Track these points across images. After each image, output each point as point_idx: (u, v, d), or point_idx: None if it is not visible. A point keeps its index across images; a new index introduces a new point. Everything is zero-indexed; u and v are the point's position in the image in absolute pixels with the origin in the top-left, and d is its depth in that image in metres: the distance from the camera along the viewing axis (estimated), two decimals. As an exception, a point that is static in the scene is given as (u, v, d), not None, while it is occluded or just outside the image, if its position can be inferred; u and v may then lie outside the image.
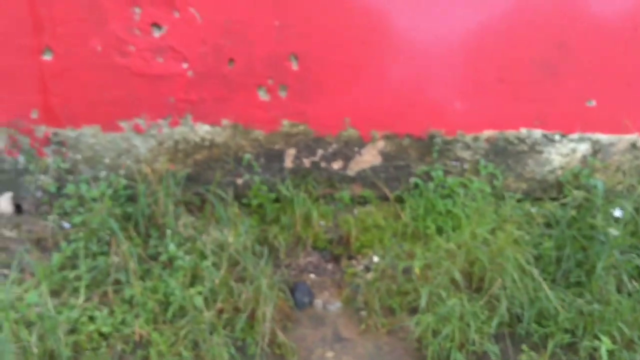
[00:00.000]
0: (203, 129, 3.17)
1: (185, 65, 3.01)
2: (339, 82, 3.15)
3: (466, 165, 3.43)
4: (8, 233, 3.09)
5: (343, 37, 3.04)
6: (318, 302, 3.05)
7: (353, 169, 3.41)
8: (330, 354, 2.75)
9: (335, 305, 3.04)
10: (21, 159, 3.15)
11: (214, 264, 2.76)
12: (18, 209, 3.27)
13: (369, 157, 3.37)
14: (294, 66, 3.07)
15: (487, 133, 3.35)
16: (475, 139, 3.36)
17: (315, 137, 3.28)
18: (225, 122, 3.17)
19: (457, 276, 2.84)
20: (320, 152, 3.32)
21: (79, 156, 3.16)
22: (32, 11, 2.84)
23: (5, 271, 2.83)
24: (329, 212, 3.35)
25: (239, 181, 3.32)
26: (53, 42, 2.90)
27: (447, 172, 3.42)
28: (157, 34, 2.93)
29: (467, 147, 3.38)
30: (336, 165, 3.38)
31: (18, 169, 3.18)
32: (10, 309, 2.44)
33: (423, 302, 2.76)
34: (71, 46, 2.92)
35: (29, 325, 2.44)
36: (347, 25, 3.02)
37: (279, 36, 3.01)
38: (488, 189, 3.36)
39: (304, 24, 2.99)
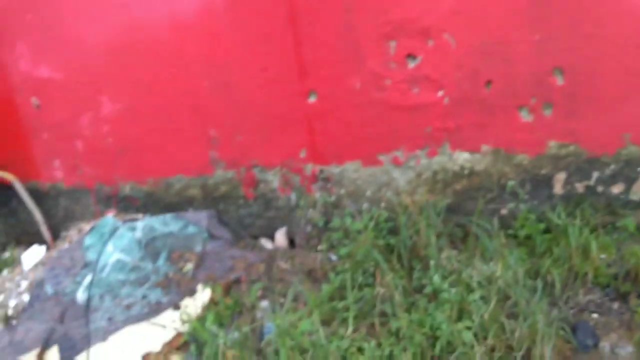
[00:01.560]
0: (462, 157, 3.06)
1: (441, 93, 2.96)
2: (613, 94, 2.77)
3: None
4: (283, 265, 3.34)
5: (616, 43, 2.68)
6: (604, 345, 2.63)
7: (637, 192, 2.94)
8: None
9: (626, 350, 2.59)
10: (293, 196, 3.41)
11: (482, 298, 2.57)
12: (291, 242, 3.53)
13: (657, 178, 2.88)
14: (559, 81, 2.80)
15: None
16: None
17: (588, 158, 2.92)
18: (484, 148, 3.01)
19: None
20: (595, 174, 2.94)
21: (342, 191, 3.30)
22: (298, 58, 3.09)
23: (282, 300, 3.03)
24: (610, 243, 2.92)
25: (503, 210, 3.11)
26: (317, 84, 3.11)
27: None
28: (412, 64, 2.94)
29: None
30: (616, 189, 2.95)
31: (290, 206, 3.45)
32: (286, 336, 2.58)
33: None
34: (333, 87, 3.10)
35: (302, 352, 2.54)
36: (621, 31, 2.66)
37: (539, 51, 2.78)
38: None
39: (567, 35, 2.72)
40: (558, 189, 3.00)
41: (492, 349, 2.44)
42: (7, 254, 4.11)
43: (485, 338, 2.46)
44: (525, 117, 2.90)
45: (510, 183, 3.03)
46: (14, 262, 4.04)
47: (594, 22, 2.68)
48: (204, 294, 3.07)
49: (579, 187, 2.98)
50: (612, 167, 2.91)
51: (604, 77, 2.75)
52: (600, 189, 2.96)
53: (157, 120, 3.47)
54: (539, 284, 2.63)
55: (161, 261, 3.35)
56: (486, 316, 2.48)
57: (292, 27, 3.05)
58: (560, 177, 2.98)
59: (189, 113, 3.41)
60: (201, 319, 2.91)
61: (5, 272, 3.94)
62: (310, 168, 3.31)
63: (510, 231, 3.05)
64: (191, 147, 3.50)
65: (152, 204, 3.75)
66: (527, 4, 2.71)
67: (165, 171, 3.62)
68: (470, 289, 2.66)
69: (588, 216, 2.95)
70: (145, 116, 3.47)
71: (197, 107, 3.38)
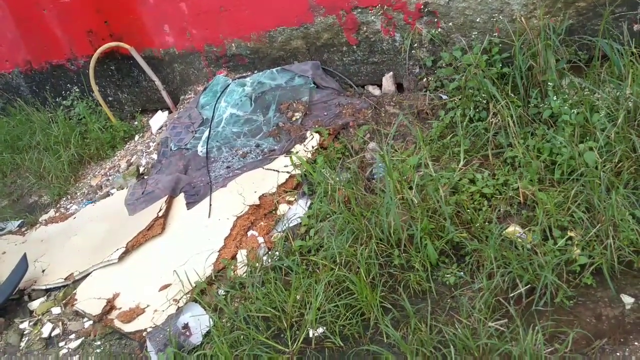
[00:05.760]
0: (587, -31, 2.67)
1: None
2: None
3: None
4: (391, 109, 3.26)
5: None
6: None
7: None
8: None
9: None
10: (397, 36, 3.24)
11: (608, 117, 2.33)
12: (399, 87, 3.41)
13: None
14: None
15: None
16: None
17: None
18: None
19: None
20: None
21: (450, 24, 3.06)
22: None
23: (390, 141, 2.97)
24: None
25: (637, 26, 2.72)
26: None
27: None
28: None
29: None
30: None
31: (396, 48, 3.29)
32: (394, 171, 2.54)
33: None
34: None
35: (411, 186, 2.50)
36: None
37: None
38: None
39: None
40: None
41: (619, 171, 2.24)
42: (136, 122, 4.42)
43: (611, 160, 2.26)
44: None
45: (646, -7, 2.62)
46: (143, 128, 4.34)
47: None
48: (313, 140, 3.10)
49: None
50: None
51: None
52: None
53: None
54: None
55: (271, 113, 3.40)
56: (612, 135, 2.25)
57: None
58: None
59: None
60: (312, 162, 2.96)
61: (137, 137, 4.26)
62: (414, 2, 3.08)
63: (645, 49, 2.68)
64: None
65: (259, 61, 3.76)
66: None
67: (267, 24, 3.57)
68: (595, 110, 2.42)
69: None
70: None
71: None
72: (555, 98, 2.52)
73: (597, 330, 1.90)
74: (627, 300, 1.96)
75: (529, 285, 2.05)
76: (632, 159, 2.23)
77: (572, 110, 2.41)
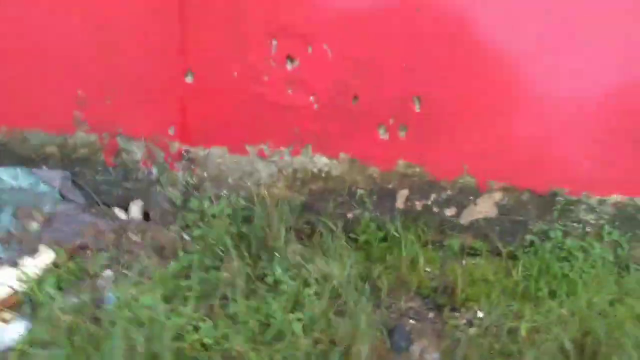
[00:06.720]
0: (321, 161, 3.27)
1: (312, 98, 3.13)
2: (459, 127, 3.12)
3: (588, 229, 3.24)
4: (134, 237, 3.35)
5: (468, 84, 3.02)
6: (415, 349, 2.98)
7: (466, 217, 3.34)
8: (421, 404, 2.67)
9: (433, 356, 2.96)
10: (154, 170, 3.42)
11: (317, 293, 2.80)
12: (146, 216, 3.54)
13: (484, 208, 3.29)
14: (416, 108, 3.09)
15: (615, 197, 3.15)
16: (601, 202, 3.17)
17: (430, 180, 3.26)
18: (343, 155, 3.24)
19: (568, 345, 2.66)
20: (433, 196, 3.30)
21: (205, 173, 3.38)
22: (182, 35, 3.09)
23: (127, 272, 3.05)
24: (436, 259, 3.30)
25: (350, 215, 3.37)
26: (196, 65, 3.15)
27: (566, 234, 3.25)
28: (290, 66, 3.08)
29: (592, 209, 3.19)
30: (449, 211, 3.33)
31: (150, 180, 3.46)
32: (125, 307, 2.61)
33: (527, 367, 2.62)
34: (212, 71, 3.15)
35: (140, 325, 2.59)
36: (473, 73, 3.00)
37: (404, 78, 3.04)
38: (610, 257, 3.15)
39: (429, 70, 3.01)
40: (400, 203, 3.32)
41: (317, 342, 2.68)
42: None
43: (312, 330, 2.69)
44: (382, 134, 3.17)
45: (360, 191, 3.30)
46: None
47: (448, 64, 2.99)
48: (46, 256, 3.00)
49: (418, 204, 3.32)
50: (449, 192, 3.27)
51: (452, 112, 3.08)
52: (435, 209, 3.32)
53: (22, 66, 3.29)
54: (368, 287, 2.92)
55: (4, 215, 3.20)
56: (317, 311, 2.71)
57: (180, 3, 3.04)
58: (404, 193, 3.30)
59: (58, 66, 3.27)
60: (40, 280, 2.85)
61: None
62: (176, 146, 3.34)
63: (353, 235, 3.32)
64: (55, 102, 3.36)
65: (5, 155, 3.55)
66: (403, 33, 2.96)
67: (22, 122, 3.45)
68: (307, 284, 2.88)
69: (421, 232, 3.30)
70: (7, 59, 3.28)
71: (69, 61, 3.25)
72: (278, 266, 2.93)
73: None
74: None
75: None
76: (328, 335, 2.69)
77: (290, 281, 2.83)
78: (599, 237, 3.23)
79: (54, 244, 3.07)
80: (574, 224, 3.25)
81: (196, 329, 2.75)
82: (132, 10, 3.08)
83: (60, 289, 2.84)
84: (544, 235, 3.28)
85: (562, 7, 2.80)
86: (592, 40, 2.83)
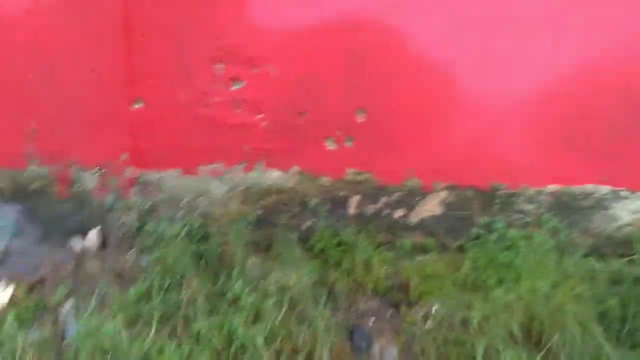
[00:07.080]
0: (273, 175, 3.38)
1: (260, 117, 3.24)
2: (402, 134, 3.28)
3: (529, 219, 3.44)
4: (93, 266, 3.39)
5: (408, 94, 3.18)
6: (375, 348, 3.12)
7: (415, 217, 3.50)
8: (384, 400, 2.80)
9: (392, 352, 3.10)
10: (109, 197, 3.47)
11: (276, 304, 2.90)
12: (104, 243, 3.58)
13: (431, 207, 3.46)
14: (361, 119, 3.23)
15: (552, 188, 3.36)
16: (539, 192, 3.38)
17: (379, 185, 3.41)
18: (294, 168, 3.36)
19: (515, 330, 2.84)
20: (383, 199, 3.44)
21: (160, 197, 3.44)
22: (128, 65, 3.17)
23: (88, 301, 3.09)
24: (389, 259, 3.44)
25: (304, 225, 3.49)
26: (144, 93, 3.22)
27: (509, 225, 3.44)
28: (236, 87, 3.18)
29: (531, 200, 3.40)
30: (398, 213, 3.48)
31: (106, 207, 3.50)
32: (88, 338, 2.67)
33: (479, 355, 2.78)
34: (160, 97, 3.22)
35: (104, 354, 2.65)
36: (411, 83, 3.16)
37: (348, 92, 3.19)
38: (551, 243, 3.35)
39: (371, 81, 3.16)
40: (352, 209, 3.46)
41: (280, 352, 2.79)
42: None
43: (274, 341, 2.80)
44: (330, 145, 3.30)
45: (313, 201, 3.43)
46: None
47: (388, 76, 3.16)
48: (4, 293, 3.02)
49: (369, 209, 3.46)
50: (397, 194, 3.43)
51: (394, 120, 3.24)
52: (386, 212, 3.47)
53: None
54: (325, 292, 3.05)
55: (-41, 255, 3.21)
56: (277, 322, 2.81)
57: (125, 35, 3.12)
58: (355, 199, 3.44)
59: (6, 101, 3.29)
60: (0, 319, 2.87)
61: None
62: (130, 172, 3.40)
63: (309, 244, 3.44)
64: (5, 137, 3.38)
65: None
66: (344, 50, 3.11)
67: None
68: (267, 296, 2.98)
69: (374, 235, 3.45)
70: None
71: (16, 96, 3.27)
72: (238, 281, 3.03)
73: None
74: None
75: None
76: (290, 343, 2.80)
77: (249, 295, 2.93)
78: (540, 226, 3.42)
79: (11, 279, 3.09)
80: (516, 215, 3.44)
81: (161, 351, 2.83)
82: (78, 43, 3.14)
83: (22, 325, 2.86)
84: (489, 228, 3.46)
85: (491, 13, 3.00)
86: (520, 44, 3.05)
